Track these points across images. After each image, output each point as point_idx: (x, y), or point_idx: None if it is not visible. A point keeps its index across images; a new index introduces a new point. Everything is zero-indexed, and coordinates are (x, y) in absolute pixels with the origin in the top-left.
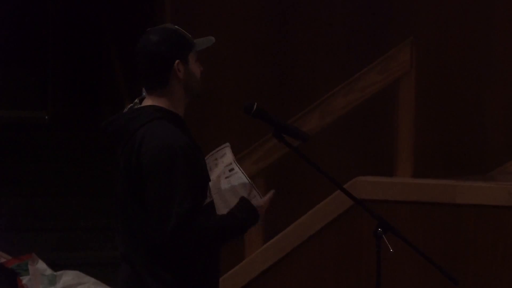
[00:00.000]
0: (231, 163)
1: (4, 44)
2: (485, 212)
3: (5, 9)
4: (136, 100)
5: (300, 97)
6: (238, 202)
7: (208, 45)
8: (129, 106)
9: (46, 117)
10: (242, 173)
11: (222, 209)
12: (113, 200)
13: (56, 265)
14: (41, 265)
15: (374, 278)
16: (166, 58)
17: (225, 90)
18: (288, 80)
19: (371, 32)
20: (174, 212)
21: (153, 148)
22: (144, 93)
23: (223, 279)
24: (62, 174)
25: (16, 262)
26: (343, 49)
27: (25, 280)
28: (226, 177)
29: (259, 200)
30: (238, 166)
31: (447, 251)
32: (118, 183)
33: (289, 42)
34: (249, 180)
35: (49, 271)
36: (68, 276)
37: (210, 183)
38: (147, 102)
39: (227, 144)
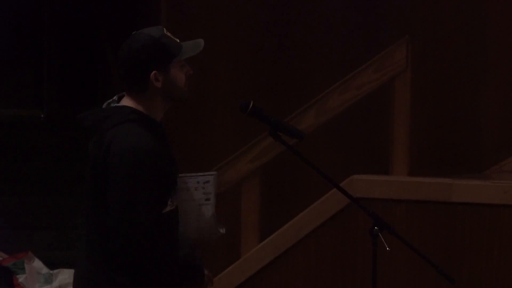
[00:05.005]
0: (210, 193)
1: None
2: (480, 210)
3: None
4: (114, 97)
5: (296, 96)
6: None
7: (195, 52)
8: (107, 102)
9: (42, 115)
10: (213, 205)
11: (192, 224)
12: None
13: (53, 264)
14: (38, 263)
15: (370, 276)
16: (143, 67)
17: (221, 88)
18: (284, 79)
19: (367, 30)
20: (138, 218)
21: (121, 150)
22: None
23: (219, 278)
24: (58, 172)
25: (12, 260)
26: (338, 48)
27: (21, 278)
28: (199, 204)
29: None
30: (215, 198)
31: (442, 249)
32: (86, 179)
33: (284, 41)
34: (214, 214)
35: (45, 270)
36: (65, 275)
37: (185, 203)
38: (125, 101)
39: (215, 172)
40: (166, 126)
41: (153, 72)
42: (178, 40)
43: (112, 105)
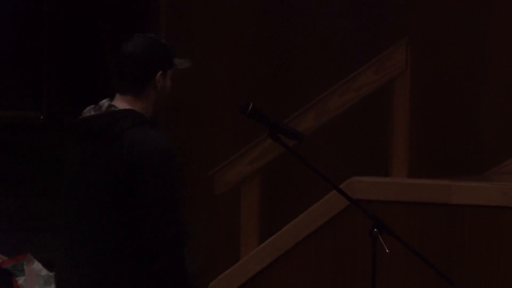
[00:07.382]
0: None
1: None
2: (480, 212)
3: None
4: (103, 101)
5: (295, 97)
6: None
7: (185, 67)
8: (98, 106)
9: (41, 117)
10: None
11: None
12: (71, 200)
13: (52, 266)
14: (37, 265)
15: (370, 278)
16: (152, 66)
17: (220, 90)
18: (284, 80)
19: (366, 31)
20: (180, 217)
21: (148, 151)
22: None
23: (219, 280)
24: (57, 174)
25: (12, 262)
26: (338, 49)
27: (20, 280)
28: None
29: None
30: None
31: (442, 251)
32: (84, 184)
33: (284, 42)
34: None
35: (44, 272)
36: None
37: None
38: (121, 104)
39: None
40: (167, 126)
41: (159, 72)
42: None
43: (105, 107)
